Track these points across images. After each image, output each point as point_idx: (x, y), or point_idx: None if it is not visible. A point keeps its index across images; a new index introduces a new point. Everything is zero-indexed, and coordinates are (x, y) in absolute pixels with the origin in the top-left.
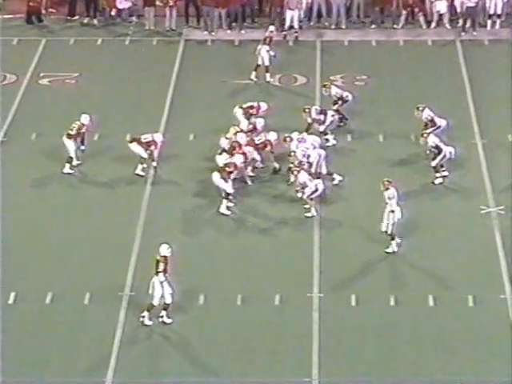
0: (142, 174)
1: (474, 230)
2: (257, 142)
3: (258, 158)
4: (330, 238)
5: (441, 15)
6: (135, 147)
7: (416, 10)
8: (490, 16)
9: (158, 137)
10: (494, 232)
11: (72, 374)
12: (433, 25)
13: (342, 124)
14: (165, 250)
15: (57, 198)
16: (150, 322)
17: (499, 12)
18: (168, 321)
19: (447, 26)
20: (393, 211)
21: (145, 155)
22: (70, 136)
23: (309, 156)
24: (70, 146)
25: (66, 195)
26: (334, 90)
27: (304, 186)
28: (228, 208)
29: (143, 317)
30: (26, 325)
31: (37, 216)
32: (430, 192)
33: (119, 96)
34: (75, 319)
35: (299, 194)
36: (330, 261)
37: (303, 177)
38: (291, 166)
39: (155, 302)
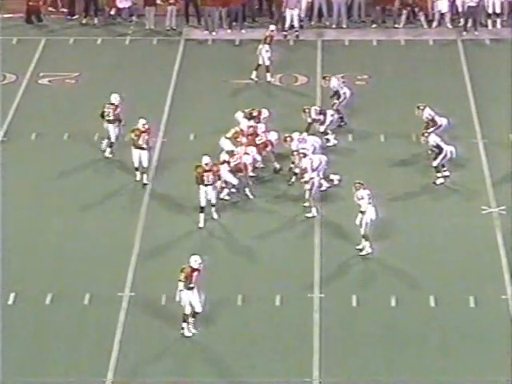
0: (145, 181)
1: (475, 231)
2: (257, 142)
3: (258, 158)
4: (331, 239)
5: (442, 15)
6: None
7: (417, 9)
8: (490, 15)
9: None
10: (495, 232)
11: (72, 374)
12: (434, 24)
13: (342, 124)
14: (193, 262)
15: (56, 198)
16: (189, 334)
17: (498, 11)
18: (190, 333)
19: (448, 25)
20: (362, 212)
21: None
22: (109, 121)
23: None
24: (111, 130)
25: (66, 195)
26: (333, 83)
27: (304, 172)
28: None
29: (182, 328)
30: (25, 325)
31: (36, 216)
32: (431, 192)
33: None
34: (75, 320)
35: (307, 186)
36: (331, 261)
37: (306, 162)
38: (292, 165)
39: (186, 311)
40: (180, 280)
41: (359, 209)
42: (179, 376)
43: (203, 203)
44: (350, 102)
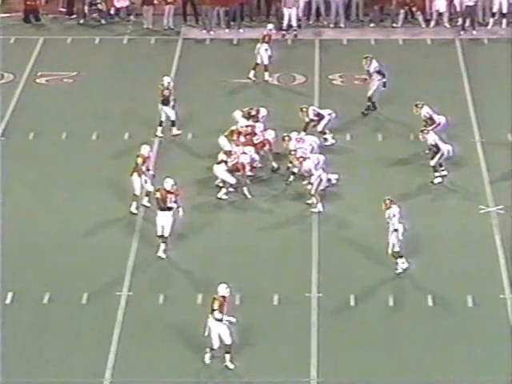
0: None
1: (474, 230)
2: (255, 142)
3: (256, 157)
4: (329, 238)
5: (440, 14)
6: (136, 179)
7: (415, 8)
8: (494, 14)
9: (144, 148)
10: (493, 232)
11: (70, 374)
12: (432, 24)
13: (366, 113)
14: (223, 290)
15: (54, 198)
16: (208, 361)
17: (505, 11)
18: (231, 366)
19: (446, 24)
20: (396, 230)
21: (140, 189)
22: (164, 103)
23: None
24: (168, 111)
25: (64, 194)
26: (374, 65)
27: (310, 174)
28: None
29: (206, 352)
30: (23, 325)
31: (34, 215)
32: (429, 192)
33: (117, 95)
34: (73, 319)
35: (308, 186)
36: (329, 260)
37: (308, 164)
38: (290, 165)
39: (215, 346)
40: (214, 309)
41: (392, 227)
42: (176, 376)
43: (160, 231)
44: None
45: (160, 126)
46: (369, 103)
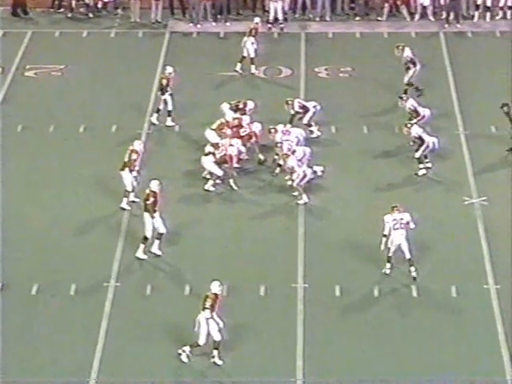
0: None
1: (457, 221)
2: (242, 134)
3: (243, 149)
4: (315, 229)
5: (424, 7)
6: (127, 174)
7: (399, 2)
8: (478, 7)
9: (138, 144)
10: (476, 223)
11: (58, 365)
12: (416, 17)
13: (419, 94)
14: (216, 287)
15: (42, 189)
16: (186, 360)
17: (489, 4)
18: (219, 362)
19: (431, 18)
20: (385, 235)
21: (131, 186)
22: (162, 91)
23: (294, 151)
24: (168, 100)
25: (52, 186)
26: (407, 53)
27: (292, 171)
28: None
29: (183, 351)
30: (11, 315)
31: (23, 208)
32: (414, 183)
33: (105, 88)
34: (61, 311)
35: (289, 182)
36: (315, 251)
37: (292, 161)
38: (276, 157)
39: (201, 342)
40: (205, 308)
41: (403, 235)
42: (163, 375)
43: (150, 234)
44: (420, 74)
45: (157, 112)
46: (406, 88)
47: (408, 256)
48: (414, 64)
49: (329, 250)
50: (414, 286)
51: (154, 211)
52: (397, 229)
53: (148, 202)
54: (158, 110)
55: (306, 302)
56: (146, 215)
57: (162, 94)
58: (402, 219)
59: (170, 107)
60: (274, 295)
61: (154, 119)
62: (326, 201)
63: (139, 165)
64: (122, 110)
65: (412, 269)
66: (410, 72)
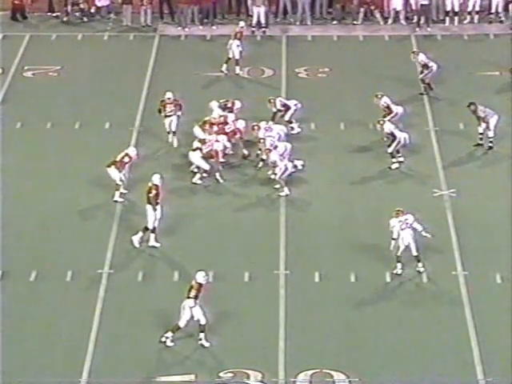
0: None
1: (428, 212)
2: (227, 131)
3: (228, 145)
4: (295, 219)
5: (397, 12)
6: (113, 171)
7: (373, 7)
8: (447, 12)
9: (132, 151)
10: (445, 213)
11: (53, 353)
12: (389, 21)
13: (424, 93)
14: (200, 278)
15: (40, 180)
16: (171, 344)
17: (456, 9)
18: (206, 344)
19: (403, 22)
20: (394, 239)
21: (120, 181)
22: (166, 115)
23: (276, 147)
24: (173, 122)
25: (49, 179)
26: (422, 57)
27: (275, 165)
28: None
29: (166, 338)
30: (10, 302)
31: (22, 200)
32: (387, 176)
33: (98, 88)
34: (58, 297)
35: (272, 176)
36: (296, 240)
37: (274, 156)
38: (259, 152)
39: (181, 324)
40: (189, 297)
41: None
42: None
43: (152, 224)
44: (436, 74)
45: (168, 134)
46: (424, 85)
47: (415, 253)
48: (427, 67)
49: (308, 239)
50: (388, 272)
51: (156, 203)
52: (404, 229)
53: (150, 195)
54: (169, 133)
55: (287, 287)
56: (149, 207)
57: (165, 116)
58: (406, 219)
59: (174, 128)
60: (257, 281)
61: (171, 140)
62: (305, 193)
63: (128, 169)
64: (114, 107)
65: (419, 264)
66: (426, 71)
